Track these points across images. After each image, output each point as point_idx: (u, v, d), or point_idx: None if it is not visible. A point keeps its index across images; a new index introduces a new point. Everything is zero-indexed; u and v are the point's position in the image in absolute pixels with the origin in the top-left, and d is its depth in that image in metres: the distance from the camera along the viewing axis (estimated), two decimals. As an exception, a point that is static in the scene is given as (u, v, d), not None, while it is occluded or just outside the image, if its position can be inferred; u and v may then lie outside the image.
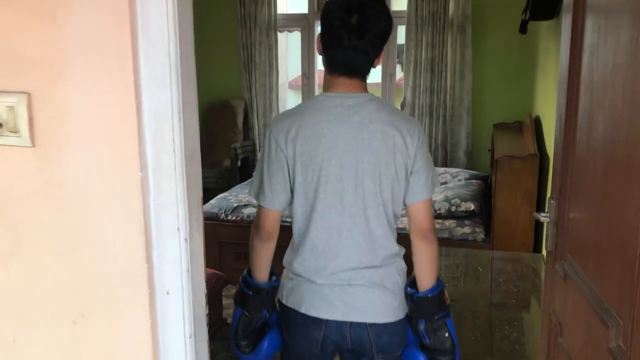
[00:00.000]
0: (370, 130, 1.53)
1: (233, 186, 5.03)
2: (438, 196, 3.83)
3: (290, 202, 1.62)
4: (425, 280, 1.61)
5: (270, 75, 5.38)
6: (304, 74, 5.50)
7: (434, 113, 5.02)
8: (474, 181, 4.20)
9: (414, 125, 1.58)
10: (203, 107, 5.63)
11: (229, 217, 3.96)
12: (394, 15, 1.61)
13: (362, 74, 1.57)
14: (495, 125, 4.86)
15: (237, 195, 4.28)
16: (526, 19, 3.31)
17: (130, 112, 0.98)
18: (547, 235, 1.63)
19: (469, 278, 2.93)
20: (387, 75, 5.27)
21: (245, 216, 3.94)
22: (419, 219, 1.62)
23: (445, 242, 3.58)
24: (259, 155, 2.00)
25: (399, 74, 5.66)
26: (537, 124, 3.89)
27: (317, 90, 5.55)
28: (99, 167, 1.02)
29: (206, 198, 4.81)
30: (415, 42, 4.95)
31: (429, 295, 1.60)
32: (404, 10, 4.96)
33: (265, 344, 1.72)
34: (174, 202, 1.03)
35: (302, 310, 1.61)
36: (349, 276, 1.59)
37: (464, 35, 4.81)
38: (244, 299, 1.69)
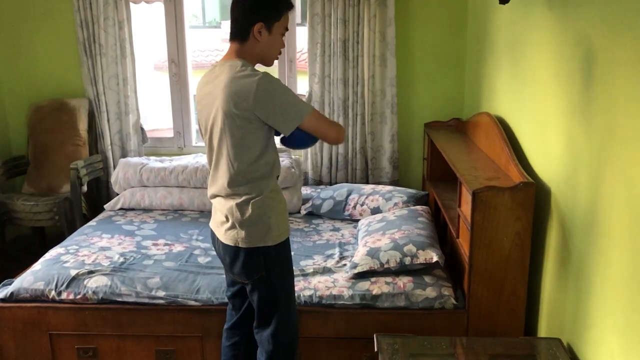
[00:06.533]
0: None
1: (78, 225, 3.51)
2: (382, 240, 2.65)
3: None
4: None
5: (122, 63, 3.87)
6: (171, 60, 4.06)
7: (349, 111, 3.83)
8: (419, 209, 3.07)
9: None
10: (25, 111, 3.97)
11: (64, 296, 2.50)
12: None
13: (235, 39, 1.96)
14: (427, 125, 3.80)
15: (79, 250, 2.80)
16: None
17: None
18: None
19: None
20: (286, 60, 3.98)
21: (90, 292, 2.49)
22: None
23: (400, 314, 2.43)
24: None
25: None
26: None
27: (191, 81, 4.13)
28: None
29: (35, 248, 2.96)
30: (321, 17, 3.70)
31: None
32: (305, -25, 3.70)
33: None
34: None
35: None
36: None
37: (385, 8, 3.65)
38: None
